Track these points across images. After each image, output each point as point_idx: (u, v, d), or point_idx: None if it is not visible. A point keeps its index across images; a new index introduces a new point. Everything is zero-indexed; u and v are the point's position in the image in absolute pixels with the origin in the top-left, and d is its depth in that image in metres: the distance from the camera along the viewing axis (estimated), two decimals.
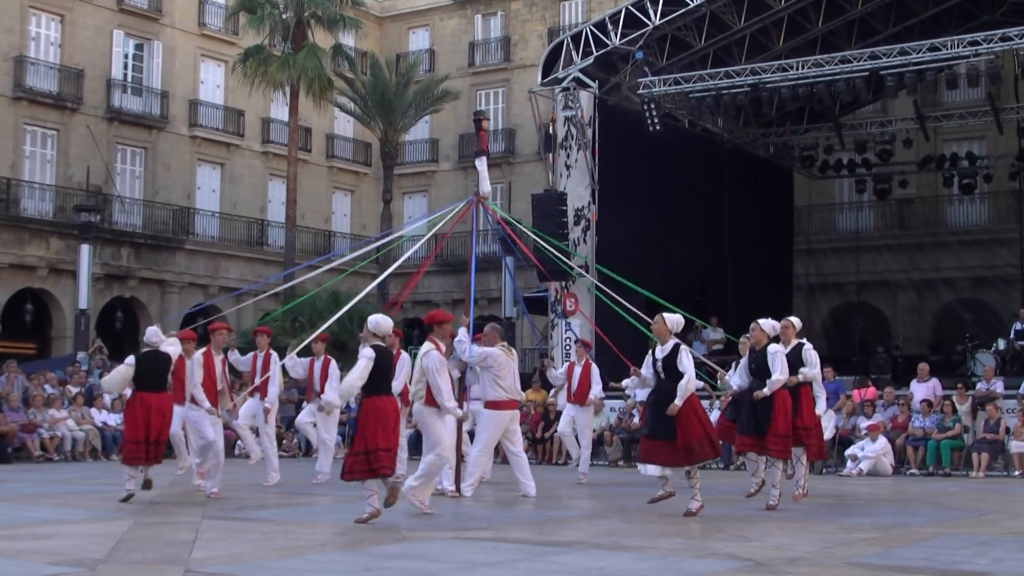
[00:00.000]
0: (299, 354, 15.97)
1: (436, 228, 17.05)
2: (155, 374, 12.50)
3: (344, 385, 10.79)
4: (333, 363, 15.95)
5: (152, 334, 12.78)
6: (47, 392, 22.33)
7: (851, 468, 18.90)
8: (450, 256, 38.73)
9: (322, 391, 15.61)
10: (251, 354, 15.51)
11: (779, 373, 11.93)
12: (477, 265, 15.13)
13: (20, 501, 12.95)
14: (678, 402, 11.09)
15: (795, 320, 12.91)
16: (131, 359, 12.56)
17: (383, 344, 10.78)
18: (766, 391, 11.91)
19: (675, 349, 11.32)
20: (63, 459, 21.16)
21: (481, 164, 15.05)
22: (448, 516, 11.17)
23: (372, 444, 10.22)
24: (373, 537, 9.34)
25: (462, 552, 8.51)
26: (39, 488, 14.81)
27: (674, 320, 11.62)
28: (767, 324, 12.38)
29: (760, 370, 12.15)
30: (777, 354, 12.02)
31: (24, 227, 32.72)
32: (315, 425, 16.18)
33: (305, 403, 17.10)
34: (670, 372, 11.25)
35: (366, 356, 10.43)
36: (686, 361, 11.21)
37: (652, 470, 11.33)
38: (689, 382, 11.17)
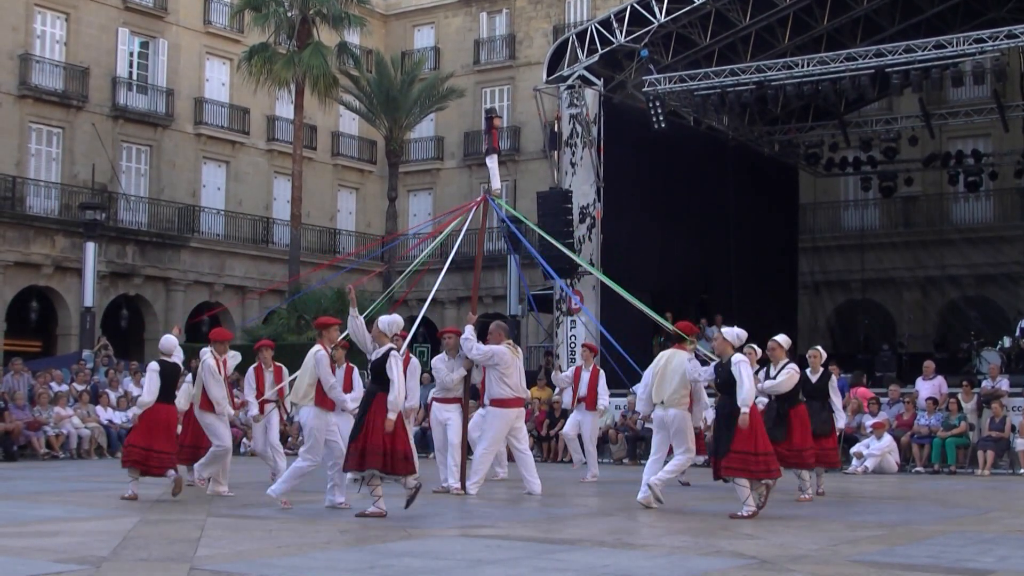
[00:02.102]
0: None
1: (448, 228, 16.88)
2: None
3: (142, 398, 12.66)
4: (356, 371, 15.91)
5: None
6: (52, 390, 22.38)
7: (856, 466, 18.90)
8: (456, 254, 38.65)
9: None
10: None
11: (746, 388, 11.06)
12: (483, 263, 15.15)
13: (26, 499, 12.97)
14: (391, 415, 10.61)
15: (783, 339, 12.69)
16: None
17: (170, 360, 12.72)
18: (744, 411, 10.99)
19: (385, 355, 10.86)
20: (68, 457, 21.21)
21: (492, 161, 15.02)
22: (453, 513, 11.17)
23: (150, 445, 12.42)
24: (378, 535, 9.34)
25: (467, 549, 8.51)
26: (44, 486, 14.84)
27: (388, 322, 11.08)
28: (731, 333, 11.54)
29: (725, 384, 11.28)
30: (740, 364, 11.19)
31: (29, 225, 32.78)
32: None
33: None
34: (378, 378, 10.82)
35: (151, 369, 12.61)
36: (395, 369, 10.75)
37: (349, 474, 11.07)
38: (398, 393, 10.69)
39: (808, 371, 13.87)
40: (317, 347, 11.69)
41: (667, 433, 12.03)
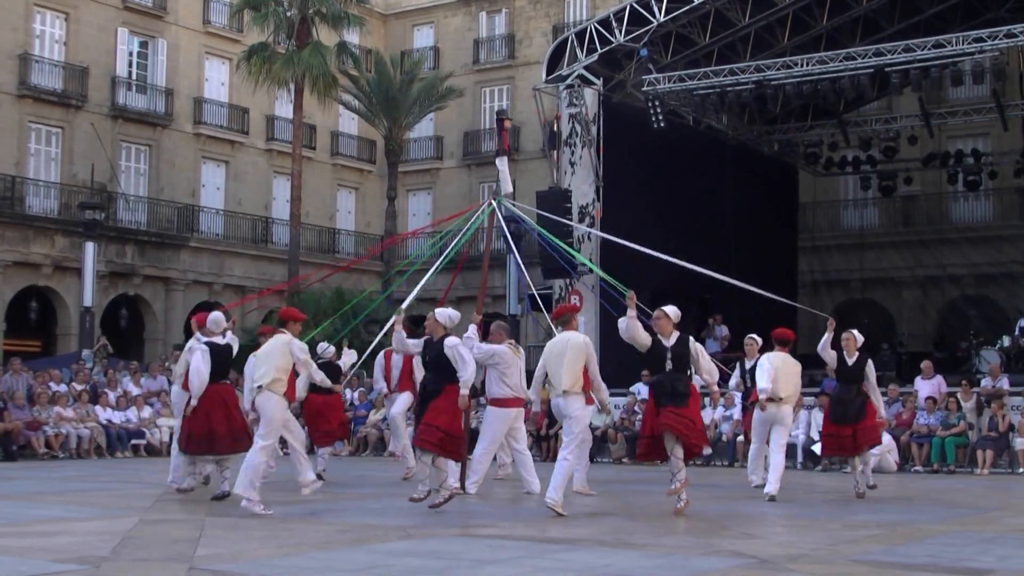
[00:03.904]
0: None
1: (452, 227, 16.95)
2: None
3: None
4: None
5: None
6: (52, 390, 22.38)
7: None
8: (456, 254, 38.62)
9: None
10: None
11: (470, 370, 11.29)
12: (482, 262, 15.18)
13: (25, 499, 12.97)
14: (193, 402, 12.26)
15: (670, 310, 11.56)
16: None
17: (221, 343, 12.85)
18: (464, 392, 11.18)
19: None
20: (67, 457, 21.20)
21: (502, 164, 15.02)
22: (453, 513, 11.17)
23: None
24: (377, 534, 9.34)
25: (466, 549, 8.51)
26: (44, 486, 14.83)
27: (213, 319, 12.55)
28: (443, 314, 11.52)
29: (434, 363, 11.49)
30: (457, 347, 11.31)
31: (29, 225, 32.78)
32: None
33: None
34: (220, 370, 12.51)
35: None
36: (196, 358, 12.21)
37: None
38: (198, 385, 12.12)
39: (844, 354, 13.57)
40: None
41: (769, 427, 13.35)
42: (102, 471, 17.95)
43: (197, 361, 12.29)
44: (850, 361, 13.60)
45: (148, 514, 10.92)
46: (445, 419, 11.02)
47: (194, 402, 12.26)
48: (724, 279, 15.30)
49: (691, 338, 11.41)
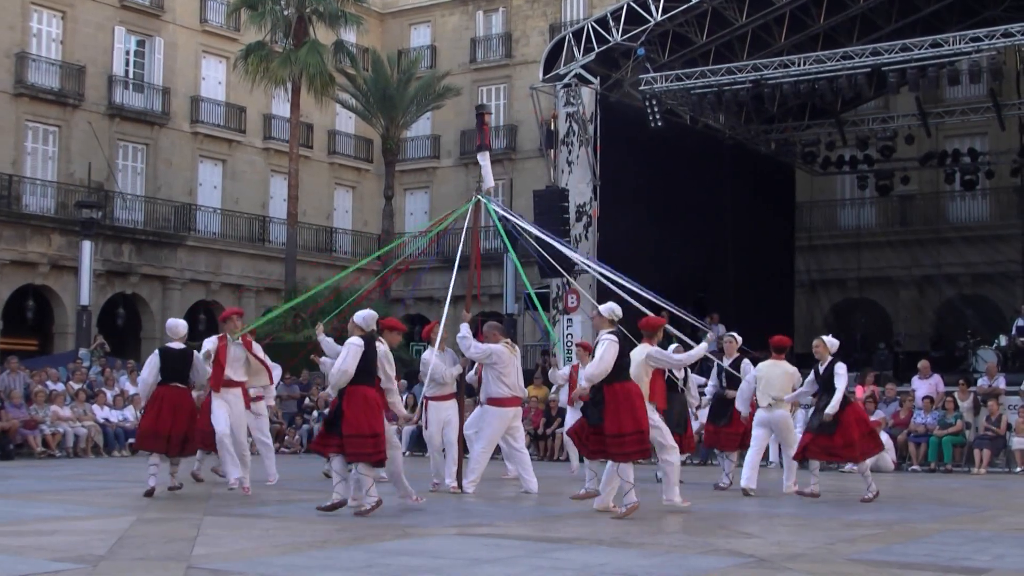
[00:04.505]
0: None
1: (439, 227, 16.89)
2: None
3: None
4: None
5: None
6: (49, 388, 22.37)
7: (852, 464, 18.87)
8: (451, 252, 38.65)
9: None
10: None
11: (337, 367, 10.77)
12: (479, 261, 15.12)
13: (23, 497, 12.95)
14: (142, 402, 13.14)
15: (604, 308, 11.05)
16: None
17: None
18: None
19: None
20: (65, 455, 21.19)
21: (484, 159, 14.89)
22: (450, 512, 11.17)
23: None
24: (375, 533, 9.33)
25: (464, 548, 8.51)
26: (41, 484, 14.82)
27: (170, 326, 13.01)
28: (359, 317, 11.03)
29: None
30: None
31: (26, 223, 32.75)
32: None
33: None
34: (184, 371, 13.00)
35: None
36: (147, 363, 12.79)
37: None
38: (142, 390, 12.90)
39: (819, 364, 13.18)
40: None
41: (769, 430, 13.78)
42: (99, 470, 17.94)
43: (146, 367, 12.82)
44: (821, 368, 13.15)
45: (145, 513, 10.91)
46: (360, 426, 10.47)
47: (143, 401, 13.10)
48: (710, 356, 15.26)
49: (604, 334, 10.73)
